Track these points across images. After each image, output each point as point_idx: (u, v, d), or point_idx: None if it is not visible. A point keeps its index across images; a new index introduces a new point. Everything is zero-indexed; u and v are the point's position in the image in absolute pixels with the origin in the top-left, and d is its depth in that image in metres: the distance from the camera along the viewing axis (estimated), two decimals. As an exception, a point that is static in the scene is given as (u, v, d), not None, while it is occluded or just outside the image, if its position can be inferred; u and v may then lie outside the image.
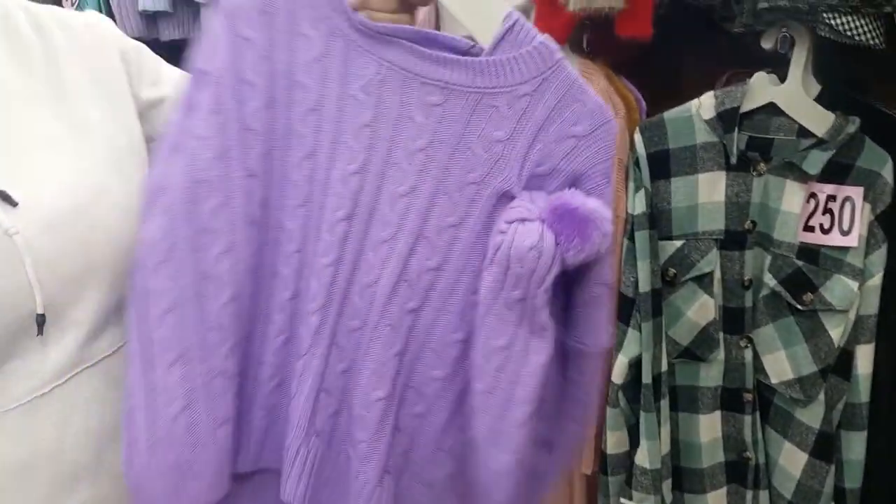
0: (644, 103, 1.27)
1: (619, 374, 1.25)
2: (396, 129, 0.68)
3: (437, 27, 1.36)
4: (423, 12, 1.30)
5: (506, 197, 0.68)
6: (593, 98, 0.67)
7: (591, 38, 1.26)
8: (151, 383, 0.66)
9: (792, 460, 1.20)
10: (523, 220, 0.63)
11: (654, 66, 1.40)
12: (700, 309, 1.22)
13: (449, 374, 0.72)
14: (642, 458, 1.26)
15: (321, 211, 0.70)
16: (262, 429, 0.75)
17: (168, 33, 1.67)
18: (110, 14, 1.68)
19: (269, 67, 0.67)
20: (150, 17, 1.65)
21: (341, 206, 0.69)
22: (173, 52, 1.69)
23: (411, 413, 0.74)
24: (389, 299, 0.70)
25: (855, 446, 1.17)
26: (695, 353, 1.24)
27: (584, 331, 0.71)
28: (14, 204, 0.61)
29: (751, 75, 1.22)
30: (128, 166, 0.71)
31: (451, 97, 0.67)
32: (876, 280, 1.13)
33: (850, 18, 1.02)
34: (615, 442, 1.30)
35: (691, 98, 1.22)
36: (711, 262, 1.20)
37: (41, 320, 0.62)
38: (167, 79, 0.80)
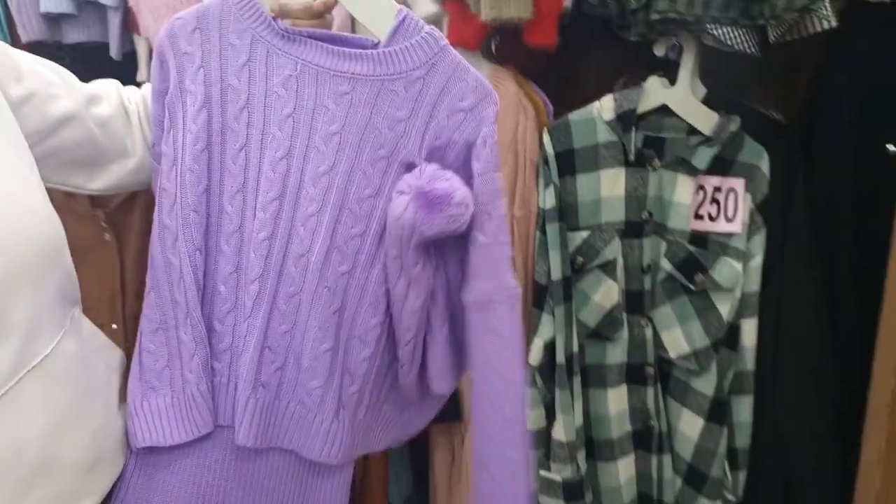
0: (551, 106, 1.36)
1: (535, 356, 1.35)
2: (314, 117, 0.80)
3: (353, 32, 1.41)
4: (338, 19, 1.34)
5: (411, 167, 0.81)
6: (474, 76, 0.80)
7: (501, 46, 1.35)
8: (139, 346, 0.83)
9: (690, 425, 1.34)
10: (400, 193, 0.78)
11: (559, 72, 1.50)
12: (605, 293, 1.34)
13: (385, 320, 0.86)
14: (559, 432, 1.36)
15: (255, 194, 0.82)
16: (219, 387, 0.85)
17: (72, 36, 1.63)
18: (8, 17, 1.62)
19: (204, 75, 0.80)
20: (53, 20, 1.61)
21: (272, 188, 0.81)
22: (78, 55, 1.66)
23: (359, 359, 0.86)
24: (323, 265, 0.82)
25: (743, 410, 1.32)
26: (601, 333, 1.35)
27: (466, 287, 0.86)
28: None
29: (645, 80, 1.34)
30: (23, 170, 0.71)
31: (358, 85, 0.79)
32: (757, 261, 1.28)
33: (729, 29, 1.14)
34: (534, 419, 1.40)
35: (592, 101, 1.34)
36: (614, 250, 1.32)
37: None
38: (29, 73, 0.77)
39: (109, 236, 1.49)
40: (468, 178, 0.81)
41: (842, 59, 1.23)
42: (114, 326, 1.52)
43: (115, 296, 1.53)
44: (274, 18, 0.81)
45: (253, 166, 0.81)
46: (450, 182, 0.78)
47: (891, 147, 1.22)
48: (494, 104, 0.81)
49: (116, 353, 0.89)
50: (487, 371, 0.86)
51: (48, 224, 0.71)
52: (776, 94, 1.54)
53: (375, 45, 0.82)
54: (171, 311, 0.83)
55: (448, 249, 0.87)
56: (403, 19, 0.80)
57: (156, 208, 0.82)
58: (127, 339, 1.52)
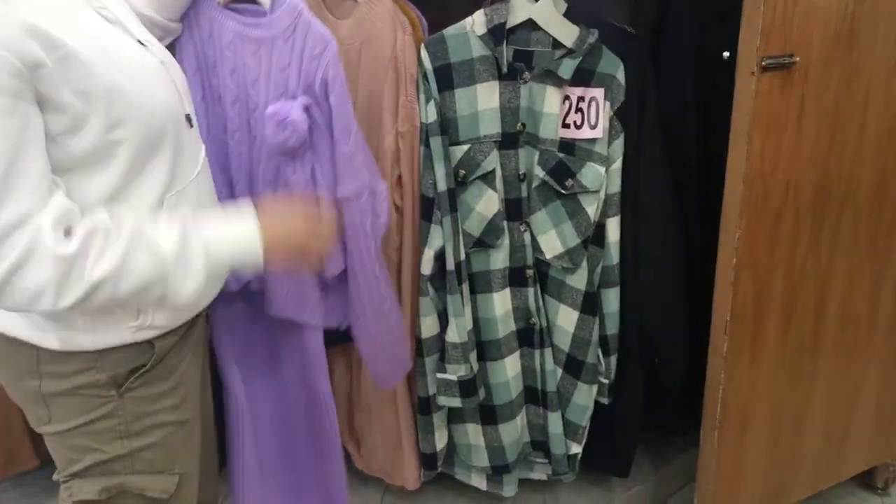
0: (425, 21, 1.39)
1: (426, 265, 1.42)
2: (245, 71, 1.19)
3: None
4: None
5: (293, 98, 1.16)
6: (320, 29, 1.13)
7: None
8: None
9: (566, 319, 1.47)
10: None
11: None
12: (487, 203, 1.42)
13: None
14: (452, 335, 1.45)
15: (227, 117, 1.24)
16: None
17: None
18: None
19: (192, 48, 1.21)
20: None
21: (235, 120, 1.23)
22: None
23: None
24: (268, 167, 1.22)
25: (612, 300, 1.47)
26: (485, 241, 1.44)
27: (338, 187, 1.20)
28: (146, 46, 0.93)
29: (508, -3, 1.40)
30: None
31: (261, 45, 1.16)
32: (617, 164, 1.40)
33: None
34: (428, 326, 1.47)
35: (460, 18, 1.39)
36: (493, 161, 1.39)
37: (189, 118, 0.96)
38: None
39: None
40: (328, 107, 1.15)
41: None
42: None
43: None
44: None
45: (227, 103, 1.22)
46: (281, 108, 1.12)
47: (726, 54, 1.38)
48: (334, 49, 1.13)
49: None
50: (354, 247, 1.22)
51: None
52: (626, 9, 1.68)
53: (264, 13, 1.15)
54: None
55: (319, 159, 1.20)
56: None
57: None
58: None
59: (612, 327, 1.49)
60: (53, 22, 0.78)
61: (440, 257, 1.42)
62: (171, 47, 1.19)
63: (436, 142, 1.35)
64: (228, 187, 1.27)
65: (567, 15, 1.35)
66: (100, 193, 0.85)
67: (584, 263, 1.43)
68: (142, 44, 0.93)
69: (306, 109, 1.14)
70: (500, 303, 1.48)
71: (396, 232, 1.42)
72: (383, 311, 1.30)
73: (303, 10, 1.12)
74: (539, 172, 1.40)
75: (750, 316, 1.35)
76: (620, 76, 1.37)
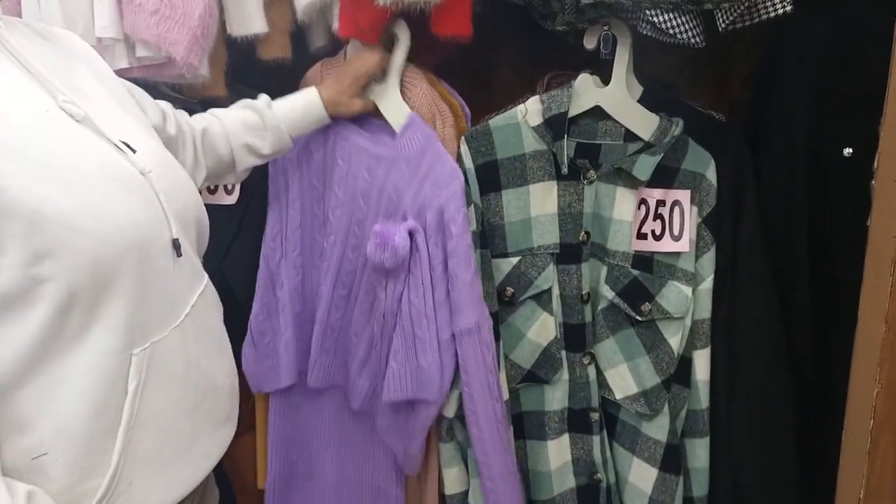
0: (468, 110, 1.16)
1: (451, 406, 1.14)
2: (357, 181, 1.15)
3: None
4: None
5: (403, 219, 1.11)
6: (450, 161, 1.08)
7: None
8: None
9: (642, 477, 1.16)
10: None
11: (471, 70, 1.30)
12: (541, 328, 1.14)
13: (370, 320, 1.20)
14: (473, 498, 1.16)
15: (327, 226, 1.20)
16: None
17: None
18: None
19: (299, 149, 1.20)
20: None
21: (335, 223, 1.18)
22: None
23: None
24: (363, 277, 1.16)
25: (699, 453, 1.15)
26: (538, 375, 1.15)
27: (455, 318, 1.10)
28: (134, 151, 0.76)
29: (571, 77, 1.16)
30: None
31: (380, 162, 1.13)
32: (707, 283, 1.11)
33: (672, 16, 0.97)
34: (453, 480, 1.18)
35: (507, 103, 1.15)
36: (549, 277, 1.12)
37: (177, 244, 0.76)
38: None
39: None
40: (440, 234, 1.08)
41: (792, 51, 1.08)
42: None
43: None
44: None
45: (325, 209, 1.21)
46: (387, 229, 1.07)
47: (848, 151, 1.09)
48: (460, 182, 1.07)
49: None
50: (476, 384, 1.09)
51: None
52: (706, 92, 1.41)
53: (393, 134, 1.13)
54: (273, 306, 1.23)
55: (413, 285, 1.10)
56: (411, 120, 1.10)
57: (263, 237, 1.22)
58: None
59: (700, 488, 1.16)
60: None
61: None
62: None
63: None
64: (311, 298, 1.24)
65: (643, 101, 1.10)
66: (16, 353, 0.63)
67: (666, 408, 1.13)
68: (122, 148, 0.74)
69: (411, 234, 1.08)
70: (556, 453, 1.18)
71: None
72: (504, 455, 1.12)
73: (433, 139, 1.09)
74: (607, 293, 1.12)
75: (888, 488, 1.02)
76: (711, 175, 1.09)
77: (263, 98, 1.09)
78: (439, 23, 0.98)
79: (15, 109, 0.69)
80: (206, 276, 0.86)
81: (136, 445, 0.70)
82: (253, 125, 1.06)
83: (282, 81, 1.26)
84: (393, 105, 1.12)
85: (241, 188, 1.18)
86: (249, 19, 1.16)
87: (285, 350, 1.20)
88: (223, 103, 1.13)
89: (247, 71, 1.25)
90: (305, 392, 1.25)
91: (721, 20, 0.96)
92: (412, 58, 1.14)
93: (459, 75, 1.24)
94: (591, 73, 1.10)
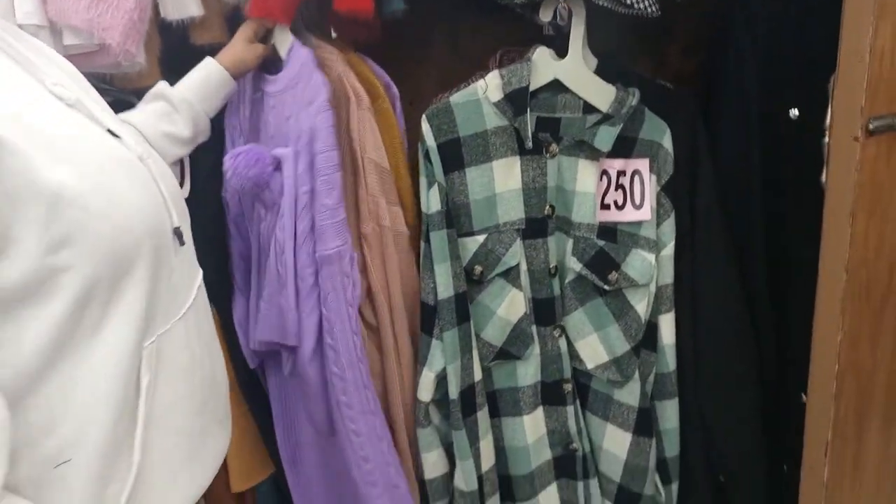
0: (395, 88, 1.12)
1: (425, 389, 1.13)
2: (265, 127, 1.12)
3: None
4: None
5: None
6: (318, 77, 1.04)
7: (333, 17, 1.10)
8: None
9: (616, 442, 1.18)
10: None
11: (405, 46, 1.27)
12: (510, 305, 1.14)
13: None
14: (458, 480, 1.16)
15: None
16: None
17: None
18: None
19: (239, 111, 1.17)
20: None
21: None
22: None
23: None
24: (268, 233, 1.08)
25: (669, 415, 1.18)
26: (510, 351, 1.15)
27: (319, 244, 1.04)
28: (118, 137, 0.72)
29: (521, 54, 1.15)
30: None
31: (276, 101, 1.09)
32: (669, 250, 1.13)
33: (627, -13, 0.98)
34: (432, 465, 1.17)
35: (452, 79, 1.13)
36: (516, 253, 1.12)
37: (178, 232, 0.73)
38: None
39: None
40: (309, 158, 1.02)
41: (742, 21, 1.11)
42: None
43: None
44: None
45: None
46: (235, 152, 1.03)
47: (794, 112, 1.13)
48: (324, 94, 1.02)
49: None
50: (335, 315, 1.03)
51: None
52: (647, 63, 1.43)
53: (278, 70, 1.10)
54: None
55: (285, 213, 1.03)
56: (291, 47, 1.08)
57: (226, 208, 1.18)
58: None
59: (672, 448, 1.19)
60: None
61: (443, 380, 1.13)
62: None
63: (439, 237, 1.08)
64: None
65: (598, 73, 1.10)
66: (35, 350, 0.58)
67: (636, 374, 1.15)
68: (113, 134, 0.70)
69: (278, 160, 1.02)
70: (532, 427, 1.18)
71: (377, 356, 1.13)
72: (365, 392, 1.07)
73: (307, 61, 1.05)
74: (574, 265, 1.12)
75: (852, 431, 1.07)
76: (668, 143, 1.11)
77: (161, 83, 1.03)
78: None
79: (10, 91, 0.64)
80: (201, 269, 0.83)
81: (151, 446, 0.67)
82: (162, 112, 0.99)
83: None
84: (283, 39, 1.09)
85: (189, 178, 1.11)
86: (184, 2, 1.10)
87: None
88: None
89: (181, 59, 1.18)
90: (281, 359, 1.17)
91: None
92: (332, 37, 1.12)
93: (393, 56, 1.21)
94: (546, 47, 1.10)
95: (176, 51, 1.15)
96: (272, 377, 1.21)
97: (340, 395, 1.04)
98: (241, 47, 1.06)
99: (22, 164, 0.56)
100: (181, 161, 1.11)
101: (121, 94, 1.13)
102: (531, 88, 1.07)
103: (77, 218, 0.59)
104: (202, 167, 1.14)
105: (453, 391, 1.09)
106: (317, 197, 1.02)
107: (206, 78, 1.02)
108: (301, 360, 1.04)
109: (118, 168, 0.68)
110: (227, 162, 1.01)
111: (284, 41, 1.08)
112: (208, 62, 1.04)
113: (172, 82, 1.19)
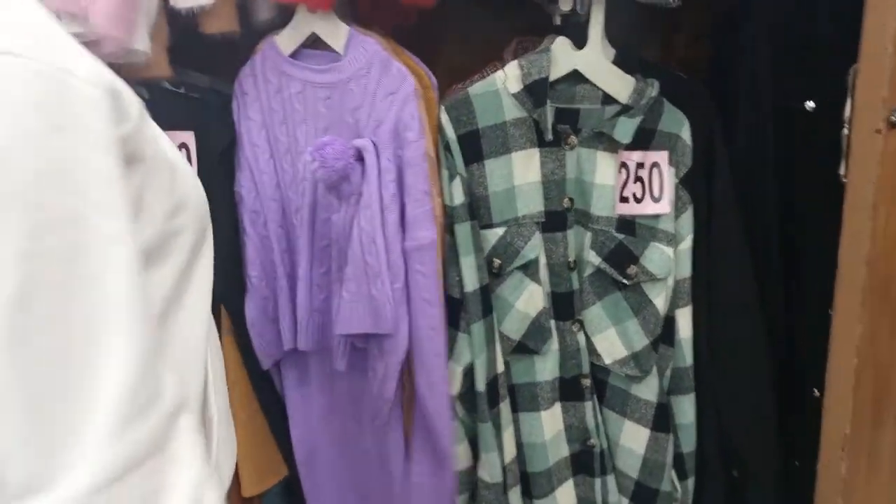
0: (435, 80, 1.11)
1: (453, 384, 1.11)
2: (315, 120, 1.08)
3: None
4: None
5: None
6: (396, 66, 1.02)
7: (365, 4, 1.08)
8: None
9: (634, 438, 1.17)
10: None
11: (426, 37, 1.26)
12: (529, 298, 1.12)
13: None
14: (483, 472, 1.14)
15: (297, 178, 1.11)
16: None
17: None
18: None
19: (258, 105, 1.11)
20: None
21: (301, 170, 1.09)
22: None
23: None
24: (345, 225, 1.05)
25: (686, 410, 1.17)
26: (528, 346, 1.14)
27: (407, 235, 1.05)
28: None
29: (536, 43, 1.14)
30: None
31: (332, 91, 1.06)
32: (687, 243, 1.13)
33: (650, -24, 0.97)
34: (459, 457, 1.15)
35: (468, 70, 1.12)
36: (536, 247, 1.10)
37: None
38: None
39: None
40: (395, 147, 1.02)
41: (752, 7, 1.10)
42: None
43: None
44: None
45: (294, 162, 1.10)
46: (323, 143, 1.00)
47: (810, 104, 1.13)
48: (411, 83, 1.01)
49: None
50: (416, 298, 1.05)
51: None
52: (653, 53, 1.43)
53: (338, 57, 1.06)
54: (271, 269, 1.14)
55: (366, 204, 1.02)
56: (351, 36, 1.04)
57: (240, 205, 1.14)
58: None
59: (689, 444, 1.19)
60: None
61: (470, 373, 1.11)
62: (226, 104, 1.13)
63: (463, 229, 1.06)
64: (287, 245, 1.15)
65: (617, 63, 1.09)
66: (156, 301, 0.58)
67: (654, 369, 1.14)
68: None
69: (360, 151, 1.01)
70: (550, 422, 1.17)
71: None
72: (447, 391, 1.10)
73: (378, 49, 1.03)
74: (593, 258, 1.11)
75: (869, 425, 1.07)
76: (686, 135, 1.10)
77: None
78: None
79: None
80: None
81: (214, 409, 0.66)
82: None
83: (228, 59, 1.17)
84: (331, 28, 1.06)
85: (197, 174, 1.08)
86: (194, -10, 1.07)
87: (283, 313, 1.13)
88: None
89: (191, 49, 1.15)
90: (299, 359, 1.19)
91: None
92: (369, 25, 1.09)
93: (419, 46, 1.19)
94: (563, 37, 1.08)
95: (186, 41, 1.12)
96: (291, 377, 1.19)
97: (425, 381, 1.06)
98: None
99: (151, 132, 0.55)
100: (187, 153, 1.09)
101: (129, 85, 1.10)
102: (551, 79, 1.06)
103: (184, 185, 0.58)
104: (207, 161, 1.11)
105: (480, 384, 1.08)
106: (406, 187, 1.02)
107: None
108: (386, 349, 1.05)
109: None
110: (312, 153, 0.99)
111: (335, 30, 1.05)
112: None
113: (182, 73, 1.16)
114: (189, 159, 1.09)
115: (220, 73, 1.26)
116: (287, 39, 1.09)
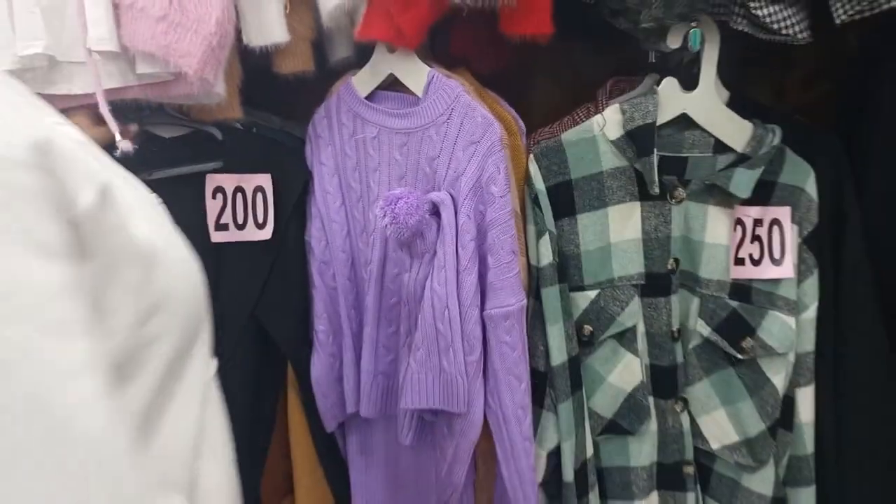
0: (522, 124, 1.01)
1: (538, 470, 0.97)
2: (389, 168, 1.00)
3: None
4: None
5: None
6: (481, 112, 0.92)
7: (455, 43, 0.99)
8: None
9: (744, 537, 1.01)
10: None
11: (511, 78, 1.16)
12: (623, 371, 0.99)
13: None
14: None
15: (368, 228, 1.03)
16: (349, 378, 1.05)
17: None
18: None
19: (332, 150, 1.04)
20: None
21: (374, 231, 1.01)
22: None
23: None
24: (416, 286, 0.95)
25: (806, 506, 1.01)
26: (621, 425, 1.00)
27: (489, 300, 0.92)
28: None
29: (634, 83, 1.02)
30: None
31: (410, 137, 0.97)
32: (811, 312, 0.97)
33: (777, 7, 0.84)
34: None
35: (557, 113, 1.02)
36: (634, 313, 0.97)
37: None
38: None
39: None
40: (475, 203, 0.91)
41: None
42: None
43: None
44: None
45: (365, 212, 1.02)
46: (395, 196, 0.91)
47: (964, 155, 0.96)
48: (497, 132, 0.91)
49: None
50: (502, 373, 0.92)
51: None
52: (761, 94, 1.28)
53: (417, 100, 0.97)
54: (339, 325, 1.05)
55: (440, 265, 0.91)
56: (432, 78, 0.95)
57: (310, 255, 1.06)
58: None
59: (808, 547, 1.02)
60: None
61: (556, 454, 0.98)
62: (300, 147, 1.07)
63: (552, 293, 0.94)
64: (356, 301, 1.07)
65: (731, 106, 0.96)
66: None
67: (771, 458, 0.98)
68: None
69: (436, 205, 0.91)
70: (645, 514, 1.02)
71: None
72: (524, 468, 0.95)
73: (461, 93, 0.93)
74: (702, 328, 0.97)
75: None
76: (811, 189, 0.96)
77: None
78: (514, 20, 0.83)
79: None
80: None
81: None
82: None
83: (300, 100, 1.10)
84: (410, 69, 0.96)
85: (273, 220, 1.00)
86: (269, 27, 1.00)
87: (347, 373, 1.05)
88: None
89: (263, 89, 1.09)
90: (362, 423, 1.10)
91: (840, 11, 0.83)
92: (455, 66, 1.00)
93: (501, 82, 1.09)
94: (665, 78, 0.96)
95: (258, 81, 1.05)
96: (354, 443, 1.09)
97: (512, 468, 0.93)
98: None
99: (117, 219, 0.45)
100: (263, 197, 1.01)
101: (200, 126, 1.03)
102: (658, 124, 0.93)
103: (167, 279, 0.48)
104: (283, 206, 1.03)
105: (568, 472, 0.94)
106: (489, 248, 0.90)
107: None
108: (456, 430, 0.93)
109: (163, 217, 0.57)
110: (384, 207, 0.90)
111: (415, 71, 0.96)
112: None
113: (253, 114, 1.10)
114: (265, 203, 1.01)
115: (292, 115, 1.20)
116: (364, 80, 1.01)
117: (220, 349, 0.97)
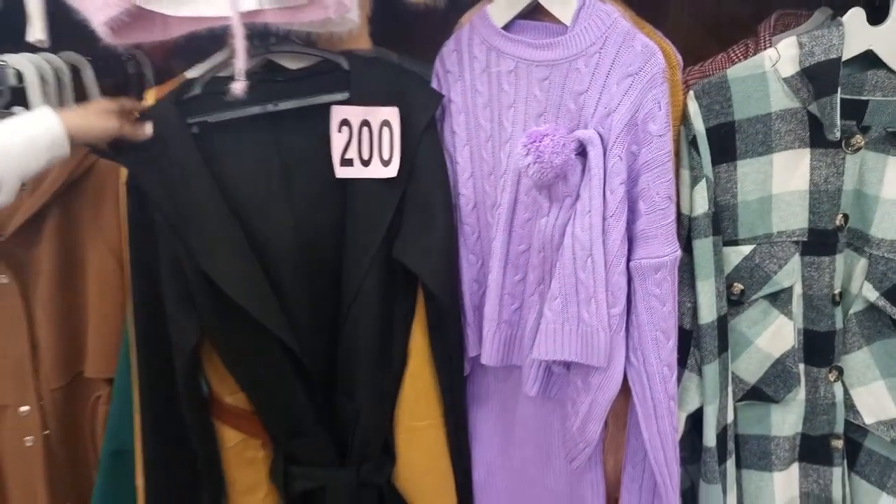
0: (680, 58, 0.91)
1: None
2: (527, 105, 0.91)
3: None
4: None
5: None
6: (641, 40, 0.82)
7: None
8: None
9: (893, 519, 0.93)
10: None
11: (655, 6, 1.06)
12: (774, 335, 0.91)
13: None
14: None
15: (497, 170, 0.95)
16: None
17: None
18: None
19: (461, 85, 0.97)
20: None
21: (504, 167, 0.94)
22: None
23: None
24: (553, 231, 0.88)
25: (967, 492, 0.92)
26: (765, 392, 0.93)
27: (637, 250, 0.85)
28: None
29: (803, 17, 0.91)
30: None
31: (553, 70, 0.88)
32: None
33: None
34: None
35: (713, 48, 0.94)
36: (792, 272, 0.88)
37: None
38: None
39: (7, 278, 0.99)
40: (628, 143, 0.83)
41: None
42: (21, 409, 1.03)
43: (21, 364, 1.03)
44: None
45: (495, 152, 0.95)
46: (539, 133, 0.83)
47: None
48: (659, 63, 0.82)
49: None
50: (648, 328, 0.85)
51: None
52: None
53: (563, 29, 0.87)
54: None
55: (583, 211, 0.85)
56: (583, 3, 0.85)
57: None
58: (45, 426, 1.04)
59: (965, 534, 0.93)
60: None
61: (693, 416, 0.92)
62: (426, 80, 1.00)
63: (704, 246, 0.86)
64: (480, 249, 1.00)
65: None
66: None
67: (933, 438, 0.89)
68: None
69: (582, 144, 0.83)
70: (783, 487, 0.95)
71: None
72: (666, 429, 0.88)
73: (618, 18, 0.83)
74: (868, 292, 0.88)
75: None
76: None
77: None
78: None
79: None
80: None
81: None
82: None
83: (427, 32, 1.03)
84: None
85: (400, 155, 0.95)
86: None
87: (468, 318, 1.00)
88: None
89: (392, 18, 1.03)
90: (479, 371, 1.05)
91: None
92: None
93: (648, 17, 0.99)
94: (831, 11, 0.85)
95: (387, 9, 0.99)
96: (471, 392, 1.06)
97: (653, 428, 0.87)
98: (94, 114, 0.86)
99: None
100: (389, 130, 0.95)
101: (327, 54, 0.98)
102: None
103: None
104: (410, 139, 0.97)
105: (710, 437, 0.88)
106: (640, 193, 0.83)
107: (36, 137, 0.80)
108: (594, 385, 0.87)
109: None
110: (527, 145, 0.82)
111: None
112: (49, 117, 0.81)
113: (384, 45, 1.04)
114: (391, 137, 0.96)
115: (416, 51, 1.14)
116: (501, 8, 0.93)
117: (349, 284, 0.95)
